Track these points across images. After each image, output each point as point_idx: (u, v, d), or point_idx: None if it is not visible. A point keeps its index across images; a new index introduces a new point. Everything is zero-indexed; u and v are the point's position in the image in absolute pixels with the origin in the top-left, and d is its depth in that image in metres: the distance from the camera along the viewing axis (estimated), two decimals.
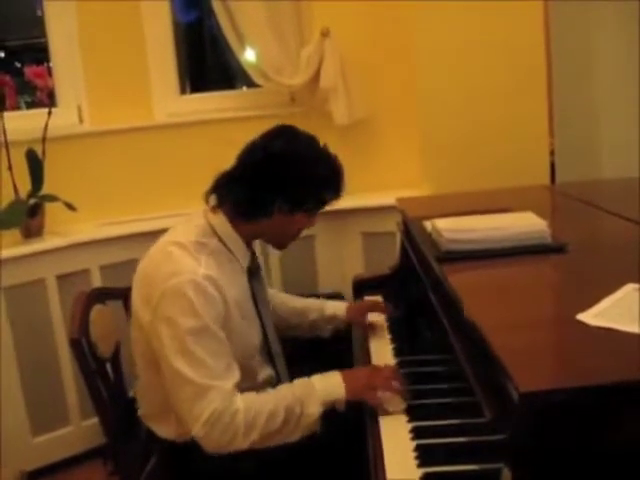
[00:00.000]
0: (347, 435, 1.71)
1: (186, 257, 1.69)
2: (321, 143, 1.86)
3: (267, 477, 1.76)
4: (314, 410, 1.64)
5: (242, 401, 1.62)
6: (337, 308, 2.21)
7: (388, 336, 2.10)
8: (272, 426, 1.61)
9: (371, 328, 2.17)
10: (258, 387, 1.77)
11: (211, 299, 1.65)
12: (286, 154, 1.78)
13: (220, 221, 1.80)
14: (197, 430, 1.59)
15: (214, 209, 1.82)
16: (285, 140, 1.81)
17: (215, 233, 1.79)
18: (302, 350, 2.08)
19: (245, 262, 1.85)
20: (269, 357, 1.92)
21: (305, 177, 1.77)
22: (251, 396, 1.65)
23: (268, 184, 1.76)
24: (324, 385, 1.68)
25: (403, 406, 1.60)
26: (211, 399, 1.58)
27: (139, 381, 1.87)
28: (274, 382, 1.88)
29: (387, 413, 1.60)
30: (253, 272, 1.90)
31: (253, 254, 1.92)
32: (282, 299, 2.23)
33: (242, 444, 1.61)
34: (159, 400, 1.76)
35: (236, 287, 1.78)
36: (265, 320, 1.92)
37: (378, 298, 2.40)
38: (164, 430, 1.80)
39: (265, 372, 1.89)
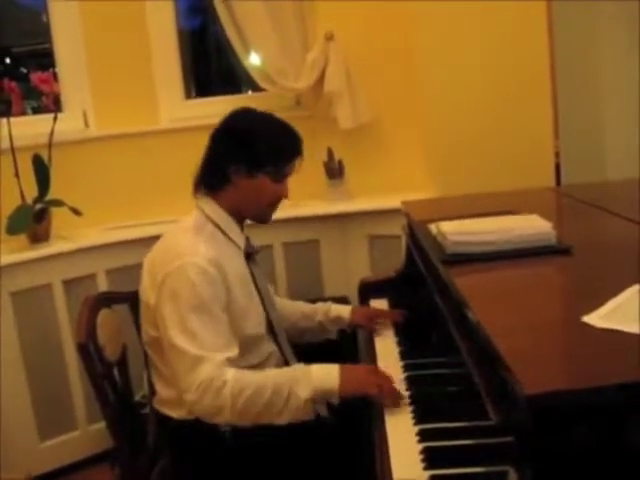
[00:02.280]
0: (352, 428, 1.78)
1: (188, 241, 1.84)
2: (274, 114, 1.98)
3: (272, 458, 1.80)
4: (303, 393, 1.67)
5: (232, 373, 1.69)
6: (342, 310, 2.26)
7: (394, 339, 2.10)
8: (258, 400, 1.67)
9: (377, 332, 2.18)
10: (263, 361, 1.93)
11: (212, 280, 1.77)
12: (232, 121, 1.94)
13: (208, 204, 1.93)
14: (189, 397, 1.69)
15: (197, 193, 1.96)
16: (233, 113, 1.96)
17: (209, 219, 1.91)
18: (308, 354, 2.08)
19: (241, 243, 1.96)
20: (272, 334, 2.02)
21: (250, 137, 1.88)
22: (243, 371, 1.74)
23: (219, 151, 1.92)
24: (320, 373, 1.71)
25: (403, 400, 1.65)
26: (203, 368, 1.68)
27: (152, 367, 1.96)
28: (277, 357, 2.01)
29: (386, 406, 1.63)
30: (250, 255, 2.01)
31: (248, 239, 2.02)
32: (291, 306, 2.29)
33: (229, 415, 1.69)
34: (171, 382, 1.84)
35: (235, 266, 1.89)
36: (266, 299, 2.02)
37: (384, 302, 2.40)
38: (177, 412, 1.87)
39: (268, 347, 1.99)
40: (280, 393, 1.68)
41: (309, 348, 2.22)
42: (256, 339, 1.93)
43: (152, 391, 2.02)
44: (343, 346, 2.27)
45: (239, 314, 1.86)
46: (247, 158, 1.88)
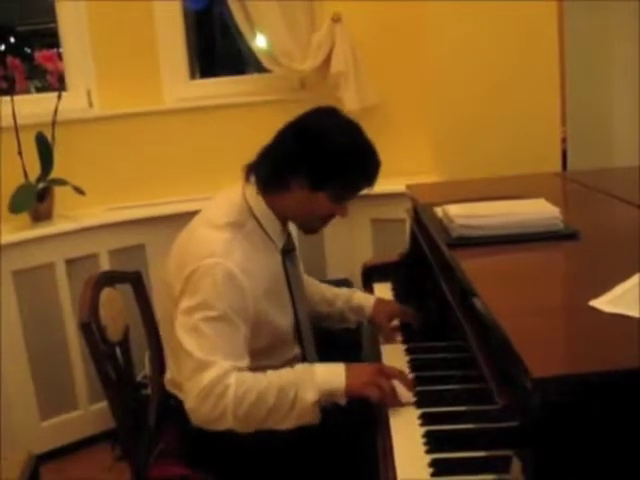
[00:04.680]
0: (355, 423, 1.70)
1: (222, 239, 1.70)
2: (363, 133, 1.79)
3: (274, 458, 1.74)
4: (309, 396, 1.58)
5: (235, 377, 1.59)
6: (365, 300, 2.13)
7: (397, 322, 2.09)
8: (262, 405, 1.58)
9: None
10: (284, 364, 1.75)
11: (238, 288, 1.66)
12: (311, 128, 1.76)
13: (255, 198, 1.79)
14: (189, 402, 1.61)
15: (248, 178, 1.81)
16: (316, 116, 1.79)
17: (252, 213, 1.79)
18: (329, 343, 2.02)
19: (280, 242, 1.85)
20: (298, 338, 1.92)
21: (326, 154, 1.71)
22: (247, 374, 1.63)
23: (288, 155, 1.74)
24: (325, 373, 1.62)
25: (410, 400, 1.57)
26: (208, 374, 1.58)
27: (168, 348, 1.92)
28: (299, 361, 1.86)
29: (393, 406, 1.56)
30: (288, 253, 1.89)
31: (289, 235, 1.91)
32: (314, 286, 2.18)
33: (231, 421, 1.59)
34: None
35: (269, 269, 1.79)
36: (297, 302, 1.90)
37: (387, 285, 2.39)
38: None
39: (292, 352, 1.89)
40: (285, 397, 1.58)
41: (330, 336, 2.12)
42: (282, 342, 1.84)
43: (160, 370, 2.01)
44: (347, 336, 2.17)
45: (266, 320, 1.76)
46: (317, 174, 1.72)
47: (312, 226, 1.88)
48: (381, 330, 2.04)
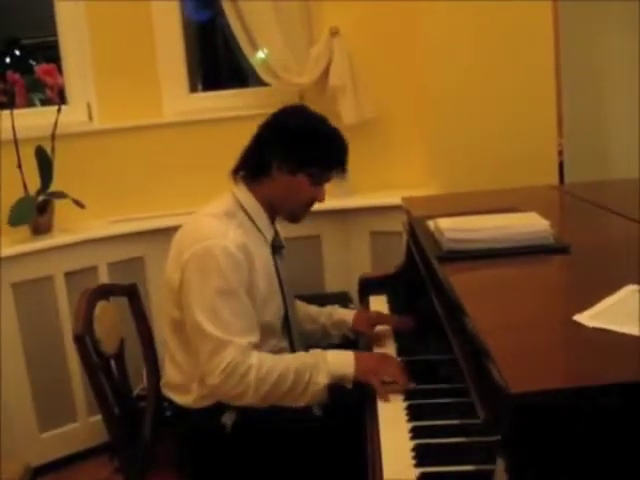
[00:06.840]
0: (348, 426, 1.78)
1: (217, 224, 1.85)
2: (328, 120, 1.97)
3: (270, 451, 1.83)
4: (322, 379, 1.75)
5: (256, 358, 1.74)
6: (345, 314, 2.23)
7: (392, 335, 2.10)
8: (281, 386, 1.74)
9: (377, 338, 2.13)
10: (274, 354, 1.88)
11: (238, 265, 1.79)
12: (285, 117, 1.95)
13: (243, 192, 1.94)
14: (212, 379, 1.73)
15: (235, 179, 1.97)
16: (289, 107, 2.00)
17: (241, 207, 1.92)
18: None
19: (269, 236, 1.97)
20: (287, 331, 2.02)
21: (302, 136, 1.90)
22: (265, 355, 1.79)
23: (265, 143, 1.93)
24: (336, 359, 1.79)
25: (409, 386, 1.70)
26: (228, 353, 1.72)
27: (166, 350, 1.97)
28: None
29: (387, 400, 1.66)
30: (276, 249, 2.02)
31: (277, 233, 2.03)
32: (297, 306, 2.24)
33: (252, 398, 1.74)
34: (183, 368, 1.90)
35: (261, 257, 1.91)
36: (287, 295, 2.02)
37: (383, 298, 2.40)
38: (183, 399, 1.90)
39: (281, 342, 1.99)
40: (301, 379, 1.74)
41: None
42: (271, 329, 1.93)
43: (157, 382, 2.06)
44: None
45: (259, 299, 1.86)
46: (292, 156, 1.89)
47: (296, 213, 2.00)
48: (367, 337, 2.15)
